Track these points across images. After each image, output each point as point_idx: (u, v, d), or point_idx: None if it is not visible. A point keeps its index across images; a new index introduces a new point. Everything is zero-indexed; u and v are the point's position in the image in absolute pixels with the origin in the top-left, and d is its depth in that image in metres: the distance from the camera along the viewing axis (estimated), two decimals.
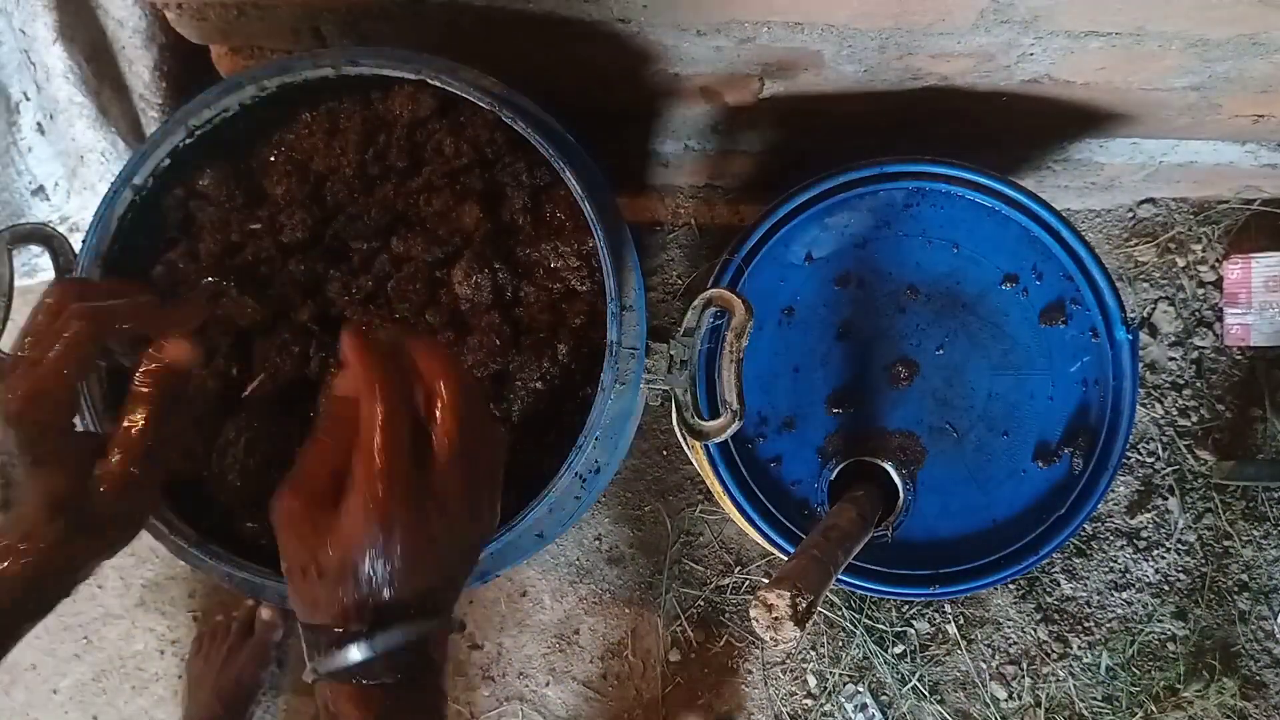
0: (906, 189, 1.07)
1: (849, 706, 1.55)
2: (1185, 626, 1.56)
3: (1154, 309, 1.60)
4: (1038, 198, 1.05)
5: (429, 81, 0.93)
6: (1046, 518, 1.04)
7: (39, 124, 1.22)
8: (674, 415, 0.94)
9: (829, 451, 1.05)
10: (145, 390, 0.58)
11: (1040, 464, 1.05)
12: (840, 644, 1.56)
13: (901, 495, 1.01)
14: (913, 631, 1.56)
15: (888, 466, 1.02)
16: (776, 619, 0.79)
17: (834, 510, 0.96)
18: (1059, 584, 1.57)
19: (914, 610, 1.56)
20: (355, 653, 0.49)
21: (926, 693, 1.54)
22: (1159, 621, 1.56)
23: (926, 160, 1.07)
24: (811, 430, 1.04)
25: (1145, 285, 1.61)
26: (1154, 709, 1.55)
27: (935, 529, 1.04)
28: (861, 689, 1.55)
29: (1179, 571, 1.57)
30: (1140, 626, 1.56)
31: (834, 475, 1.04)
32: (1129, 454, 1.59)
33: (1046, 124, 1.30)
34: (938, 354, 1.05)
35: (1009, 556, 1.04)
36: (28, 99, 1.20)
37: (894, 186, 1.06)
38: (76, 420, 0.59)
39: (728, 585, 1.56)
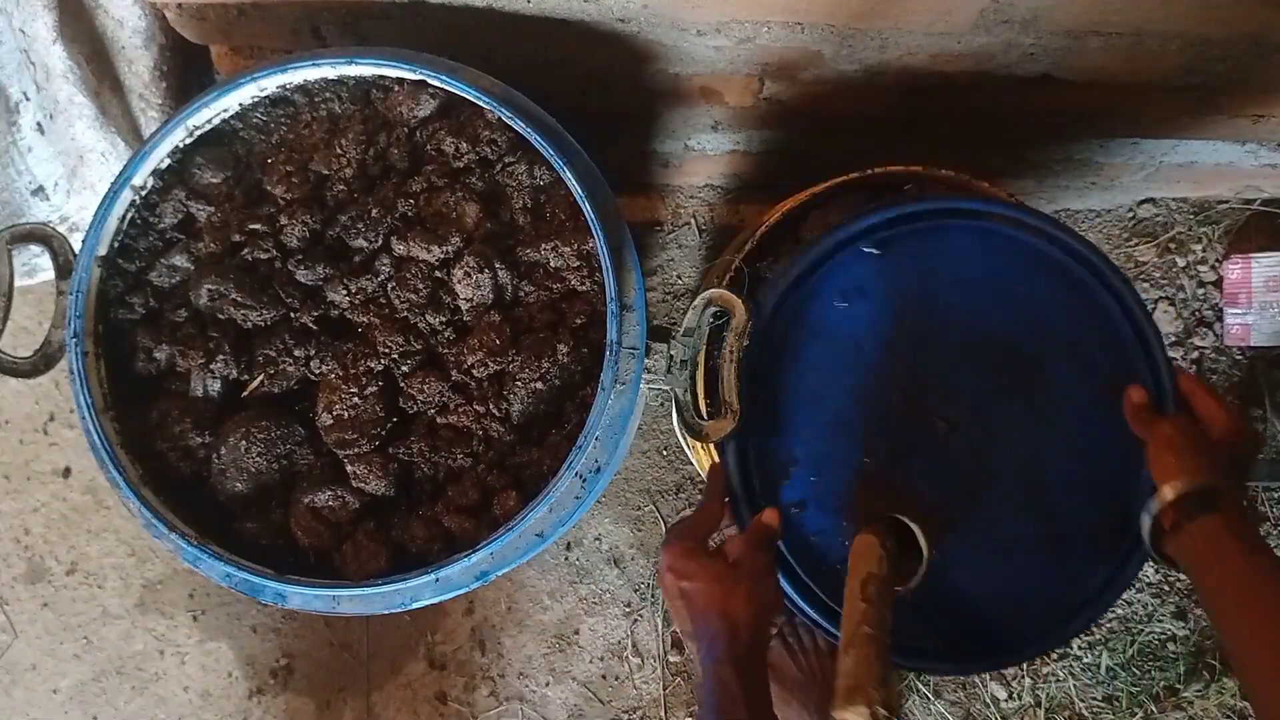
0: (973, 228, 0.95)
1: None
2: (1185, 626, 1.56)
3: (1154, 309, 1.60)
4: (1112, 264, 0.95)
5: (429, 81, 0.93)
6: (1070, 599, 0.94)
7: (39, 124, 1.22)
8: (674, 415, 0.94)
9: (857, 503, 0.92)
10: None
11: (1080, 545, 0.93)
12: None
13: (925, 557, 0.89)
14: None
15: (914, 526, 0.89)
16: None
17: (860, 548, 0.85)
18: None
19: None
20: None
21: (928, 693, 1.54)
22: (1159, 621, 1.56)
23: (999, 201, 0.98)
24: (842, 477, 0.93)
25: (1145, 285, 1.61)
26: (1154, 709, 1.55)
27: (963, 597, 0.93)
28: None
29: (1179, 572, 1.57)
30: (1140, 626, 1.56)
31: (860, 531, 0.90)
32: None
33: (1046, 124, 1.30)
34: (983, 414, 0.93)
35: (1031, 639, 0.94)
36: (28, 99, 1.19)
37: (961, 224, 0.95)
38: None
39: None
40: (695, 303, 0.90)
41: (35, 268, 1.40)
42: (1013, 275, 0.95)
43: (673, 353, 0.93)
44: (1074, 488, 0.93)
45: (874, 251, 0.94)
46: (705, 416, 0.92)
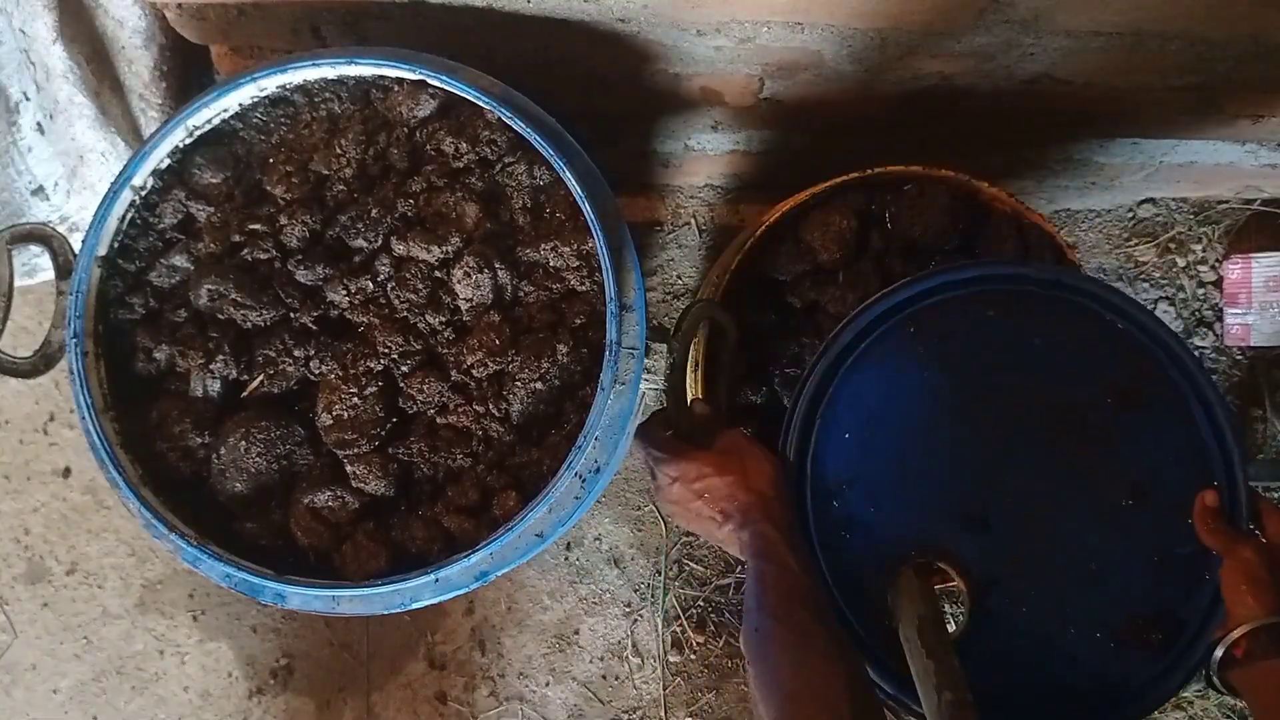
0: (1066, 303, 0.93)
1: None
2: None
3: (1154, 309, 1.60)
4: (1201, 365, 0.92)
5: (429, 81, 0.93)
6: (1104, 695, 0.90)
7: (39, 124, 1.22)
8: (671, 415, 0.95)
9: (901, 540, 0.90)
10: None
11: (1118, 640, 0.90)
12: None
13: (968, 609, 0.88)
14: None
15: (956, 575, 0.88)
16: None
17: (905, 587, 0.85)
18: None
19: None
20: None
21: None
22: None
23: (1101, 283, 0.95)
24: (892, 510, 0.91)
25: (1145, 285, 1.61)
26: None
27: (1002, 668, 0.89)
28: None
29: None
30: None
31: (901, 572, 0.89)
32: None
33: (1046, 124, 1.30)
34: (1048, 484, 0.91)
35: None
36: (28, 99, 1.19)
37: (1057, 296, 0.93)
38: None
39: (728, 585, 1.56)
40: (693, 310, 0.91)
41: (35, 268, 1.40)
42: (1099, 355, 0.93)
43: (673, 357, 0.94)
44: (1131, 581, 0.90)
45: (1009, 300, 0.93)
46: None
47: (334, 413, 0.91)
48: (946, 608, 0.89)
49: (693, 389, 0.93)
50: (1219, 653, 0.85)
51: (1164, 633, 0.90)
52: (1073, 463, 0.91)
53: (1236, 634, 0.83)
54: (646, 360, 0.94)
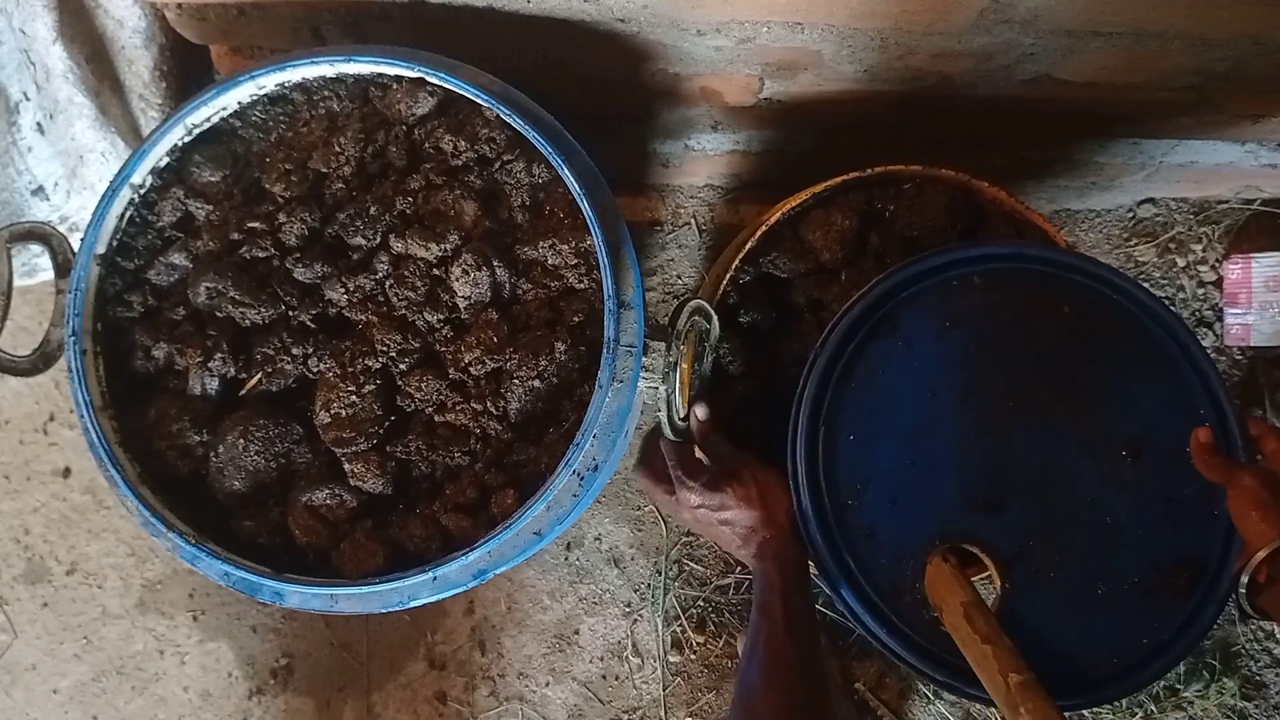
0: (1048, 276, 0.94)
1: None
2: None
3: None
4: (1175, 314, 0.94)
5: (427, 79, 0.94)
6: (1144, 644, 0.92)
7: (39, 124, 1.22)
8: (663, 414, 0.95)
9: (925, 531, 0.91)
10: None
11: (1153, 589, 0.92)
12: (840, 640, 1.56)
13: (999, 590, 0.89)
14: None
15: (986, 558, 0.90)
16: None
17: (940, 577, 0.87)
18: None
19: None
20: None
21: (929, 694, 1.54)
22: None
23: (1071, 254, 0.96)
24: (911, 505, 0.92)
25: (1145, 285, 1.61)
26: (1154, 709, 1.55)
27: (1033, 636, 0.90)
28: (860, 686, 1.55)
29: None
30: None
31: (930, 562, 0.90)
32: None
33: (1046, 124, 1.30)
34: (1055, 455, 0.93)
35: (1104, 682, 0.92)
36: (28, 99, 1.20)
37: (1038, 270, 0.94)
38: None
39: (728, 585, 1.56)
40: (686, 308, 0.91)
41: (35, 268, 1.40)
42: (1075, 320, 0.95)
43: (670, 357, 0.94)
44: (1147, 531, 0.92)
45: (975, 282, 0.94)
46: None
47: (332, 411, 0.91)
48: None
49: (682, 389, 0.94)
50: (1245, 580, 0.86)
51: (1189, 573, 0.92)
52: (1071, 429, 0.93)
53: (1257, 559, 0.83)
54: (645, 358, 0.94)
